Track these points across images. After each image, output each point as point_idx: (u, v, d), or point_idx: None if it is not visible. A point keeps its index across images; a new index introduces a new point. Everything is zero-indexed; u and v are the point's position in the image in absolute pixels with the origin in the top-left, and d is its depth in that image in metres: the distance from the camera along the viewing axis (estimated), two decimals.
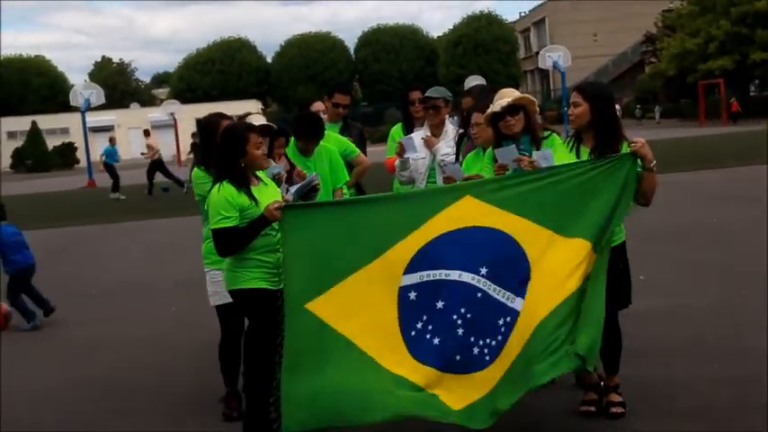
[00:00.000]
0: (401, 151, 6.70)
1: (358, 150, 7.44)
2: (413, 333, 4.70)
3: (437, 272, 4.74)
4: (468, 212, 4.83)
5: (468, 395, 4.60)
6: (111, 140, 31.35)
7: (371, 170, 7.67)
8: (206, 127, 5.75)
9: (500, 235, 4.77)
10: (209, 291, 5.82)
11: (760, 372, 5.67)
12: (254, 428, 5.06)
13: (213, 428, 5.64)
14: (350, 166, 7.21)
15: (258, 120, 5.98)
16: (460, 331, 4.67)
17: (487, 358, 4.63)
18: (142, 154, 30.44)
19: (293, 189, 5.20)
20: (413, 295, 4.73)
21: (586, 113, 5.05)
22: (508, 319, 4.65)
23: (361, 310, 4.74)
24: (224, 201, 4.86)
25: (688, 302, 7.87)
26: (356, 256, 4.77)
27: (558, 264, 4.73)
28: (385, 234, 4.80)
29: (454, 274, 4.72)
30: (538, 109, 5.51)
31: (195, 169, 5.90)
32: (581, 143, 5.15)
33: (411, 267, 4.75)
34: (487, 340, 4.65)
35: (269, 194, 5.05)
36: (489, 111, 5.45)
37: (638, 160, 4.84)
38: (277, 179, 5.61)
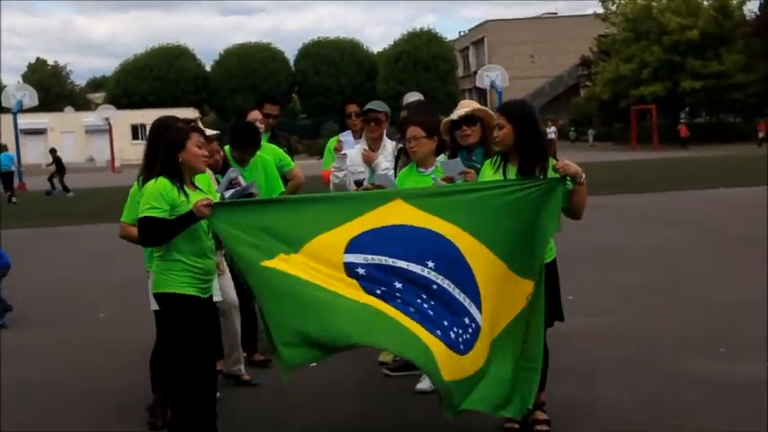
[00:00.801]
0: (339, 148, 6.73)
1: (293, 164, 7.45)
2: (378, 292, 4.57)
3: (381, 257, 4.67)
4: (400, 213, 4.83)
5: (453, 372, 4.47)
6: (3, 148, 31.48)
7: (308, 182, 7.69)
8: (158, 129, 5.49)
9: (437, 236, 4.76)
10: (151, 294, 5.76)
11: (681, 394, 5.83)
12: None
13: None
14: (284, 178, 7.21)
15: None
16: (432, 313, 4.55)
17: (462, 348, 4.55)
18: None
19: (228, 194, 5.16)
20: (361, 271, 4.64)
21: (510, 135, 5.03)
22: (473, 325, 4.62)
23: (316, 272, 4.64)
24: (156, 193, 4.83)
25: (615, 323, 8.02)
26: (293, 238, 4.73)
27: (501, 290, 4.76)
28: (317, 224, 4.78)
29: (401, 263, 4.66)
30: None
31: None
32: (507, 162, 5.15)
33: (351, 248, 4.69)
34: (460, 330, 4.57)
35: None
36: (447, 119, 5.50)
37: (567, 179, 4.91)
38: (234, 183, 5.52)
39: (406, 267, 4.65)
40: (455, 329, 4.56)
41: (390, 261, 4.67)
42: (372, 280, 4.62)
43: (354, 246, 4.70)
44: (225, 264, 6.22)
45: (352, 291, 4.58)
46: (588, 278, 9.97)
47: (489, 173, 5.18)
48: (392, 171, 6.68)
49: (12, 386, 6.90)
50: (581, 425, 5.38)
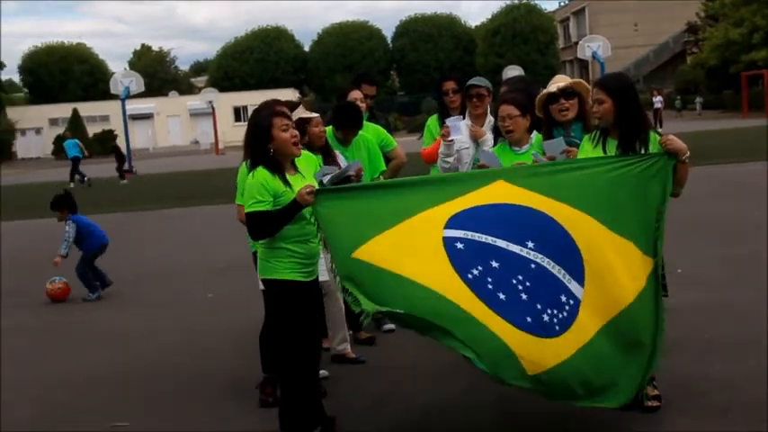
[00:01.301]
0: (447, 133, 6.62)
1: (395, 143, 7.42)
2: (470, 276, 4.47)
3: (481, 235, 4.59)
4: (502, 193, 4.77)
5: (543, 360, 4.38)
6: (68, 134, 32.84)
7: (408, 159, 7.67)
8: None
9: (539, 214, 4.68)
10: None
11: None
12: (289, 415, 5.09)
13: (249, 414, 5.69)
14: (386, 157, 7.20)
15: (300, 113, 5.96)
16: (524, 296, 4.47)
17: (557, 328, 4.45)
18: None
19: (326, 178, 5.15)
20: (460, 245, 4.56)
21: (611, 109, 4.93)
22: (571, 301, 4.52)
23: (409, 254, 4.57)
24: (258, 185, 4.86)
25: (726, 297, 7.77)
26: (392, 216, 4.71)
27: (612, 263, 4.64)
28: (419, 202, 4.75)
29: (501, 243, 4.58)
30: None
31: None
32: (607, 137, 5.03)
33: (451, 224, 4.62)
34: (555, 311, 4.47)
35: (305, 183, 4.99)
36: (544, 92, 5.39)
37: (673, 155, 4.76)
38: (357, 173, 5.31)
39: (505, 247, 4.58)
40: (549, 311, 4.46)
41: (490, 239, 4.60)
42: (470, 257, 4.54)
43: (455, 221, 4.66)
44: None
45: (445, 276, 4.49)
46: (697, 251, 9.70)
47: (589, 148, 5.07)
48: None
49: (126, 368, 7.13)
50: (692, 400, 5.24)
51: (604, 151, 4.99)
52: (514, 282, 4.50)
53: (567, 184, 4.77)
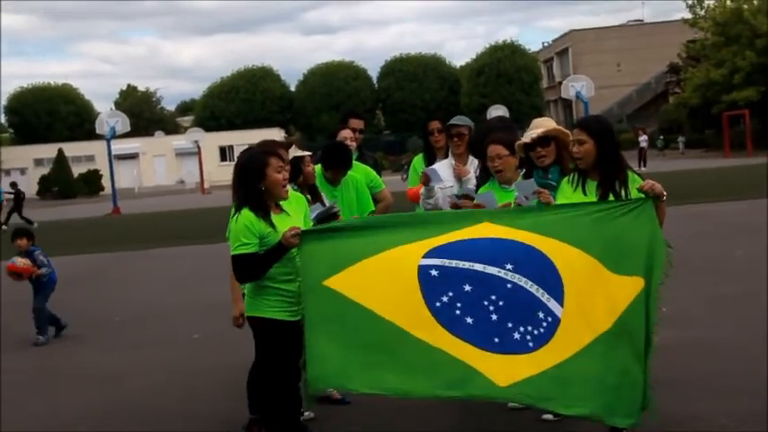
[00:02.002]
0: (426, 180, 6.72)
1: (383, 185, 7.48)
2: (438, 305, 4.58)
3: (459, 261, 4.67)
4: (486, 231, 4.82)
5: (516, 372, 4.45)
6: None
7: (393, 198, 7.71)
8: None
9: (521, 245, 4.73)
10: None
11: None
12: None
13: None
14: (374, 198, 7.23)
15: (295, 152, 6.00)
16: (494, 317, 4.55)
17: (531, 344, 4.51)
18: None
19: (312, 215, 5.19)
20: (434, 272, 4.65)
21: (592, 150, 4.99)
22: (549, 318, 4.56)
23: (380, 284, 4.68)
24: (243, 228, 4.88)
25: (710, 335, 7.81)
26: (373, 246, 4.81)
27: (596, 287, 4.66)
28: (400, 239, 4.84)
29: (478, 266, 4.65)
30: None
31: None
32: (586, 178, 5.09)
33: (430, 254, 4.71)
34: (529, 328, 4.54)
35: (290, 224, 5.01)
36: (520, 141, 5.49)
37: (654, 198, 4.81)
38: (334, 213, 5.33)
39: (482, 270, 4.65)
40: (521, 329, 4.54)
41: (468, 265, 4.67)
42: (441, 284, 4.63)
43: (434, 252, 4.73)
44: None
45: (413, 309, 4.61)
46: (681, 289, 9.73)
47: (568, 190, 5.13)
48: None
49: (111, 409, 7.09)
50: None
51: (584, 192, 5.05)
52: (486, 303, 4.59)
53: (552, 222, 4.83)
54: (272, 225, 4.92)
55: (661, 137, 61.55)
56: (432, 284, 4.64)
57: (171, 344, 9.47)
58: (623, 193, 4.96)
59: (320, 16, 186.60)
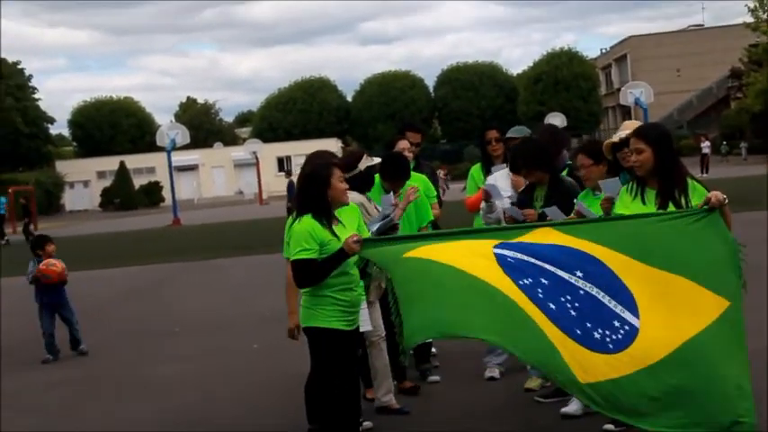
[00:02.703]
0: (486, 197, 6.70)
1: (435, 200, 7.49)
2: (521, 283, 4.43)
3: (530, 257, 4.58)
4: (550, 237, 4.76)
5: (595, 372, 4.25)
6: None
7: (452, 208, 7.68)
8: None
9: (588, 256, 4.63)
10: None
11: None
12: None
13: None
14: None
15: (367, 162, 6.14)
16: (573, 313, 4.39)
17: (611, 346, 4.33)
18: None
19: (374, 227, 5.24)
20: (511, 260, 4.55)
21: (650, 158, 4.91)
22: (626, 327, 4.40)
23: (463, 256, 4.57)
24: (306, 233, 4.93)
25: None
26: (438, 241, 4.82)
27: (673, 300, 4.51)
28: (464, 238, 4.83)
29: (549, 267, 4.54)
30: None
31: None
32: (645, 186, 5.01)
33: (501, 246, 4.64)
34: (607, 332, 4.37)
35: (348, 233, 5.08)
36: (608, 141, 5.48)
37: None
38: (394, 225, 5.55)
39: (553, 271, 4.54)
40: (600, 330, 4.36)
41: (539, 262, 4.57)
42: (520, 269, 4.50)
43: (504, 245, 4.67)
44: (375, 294, 6.27)
45: (498, 276, 4.45)
46: (750, 298, 9.50)
47: (627, 200, 5.04)
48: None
49: (171, 419, 7.15)
50: None
51: (643, 202, 4.96)
52: (563, 300, 4.43)
53: (614, 232, 4.75)
54: (334, 233, 4.96)
55: (724, 142, 60.53)
56: (511, 267, 4.50)
57: (230, 354, 9.54)
58: (683, 201, 4.86)
59: (376, 26, 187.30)
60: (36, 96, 72.32)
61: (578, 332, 4.31)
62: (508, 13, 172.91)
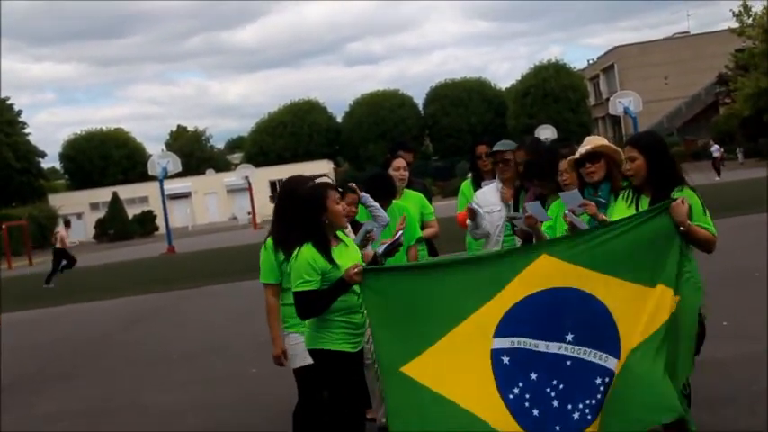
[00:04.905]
0: (472, 216, 6.74)
1: (433, 217, 7.52)
2: (511, 396, 4.69)
3: (526, 340, 4.74)
4: (546, 272, 4.80)
5: None
6: None
7: (443, 223, 7.70)
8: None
9: (581, 295, 4.72)
10: (288, 353, 5.85)
11: None
12: None
13: None
14: (421, 224, 7.28)
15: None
16: (555, 403, 4.65)
17: (589, 417, 4.59)
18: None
19: (381, 250, 5.24)
20: (506, 360, 4.73)
21: (644, 166, 4.97)
22: (606, 379, 4.60)
23: (457, 371, 4.74)
24: (306, 264, 4.89)
25: None
26: (442, 320, 4.79)
27: (641, 312, 4.63)
28: (467, 299, 4.81)
29: (542, 346, 4.72)
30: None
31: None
32: (641, 194, 5.06)
33: (500, 332, 4.75)
34: (586, 401, 4.61)
35: (349, 256, 5.06)
36: (570, 157, 5.49)
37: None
38: (369, 236, 5.67)
39: (545, 350, 4.71)
40: (579, 406, 4.61)
41: (533, 344, 4.72)
42: (513, 373, 4.71)
43: (505, 324, 4.75)
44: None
45: (488, 402, 4.68)
46: (741, 301, 9.55)
47: (622, 207, 5.09)
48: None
49: None
50: None
51: (637, 209, 5.00)
52: (548, 389, 4.67)
53: (604, 252, 4.77)
54: (334, 262, 4.94)
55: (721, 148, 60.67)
56: (504, 374, 4.72)
57: (229, 379, 9.53)
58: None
59: (362, 47, 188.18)
60: (26, 131, 72.27)
61: (557, 428, 4.63)
62: (493, 28, 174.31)
